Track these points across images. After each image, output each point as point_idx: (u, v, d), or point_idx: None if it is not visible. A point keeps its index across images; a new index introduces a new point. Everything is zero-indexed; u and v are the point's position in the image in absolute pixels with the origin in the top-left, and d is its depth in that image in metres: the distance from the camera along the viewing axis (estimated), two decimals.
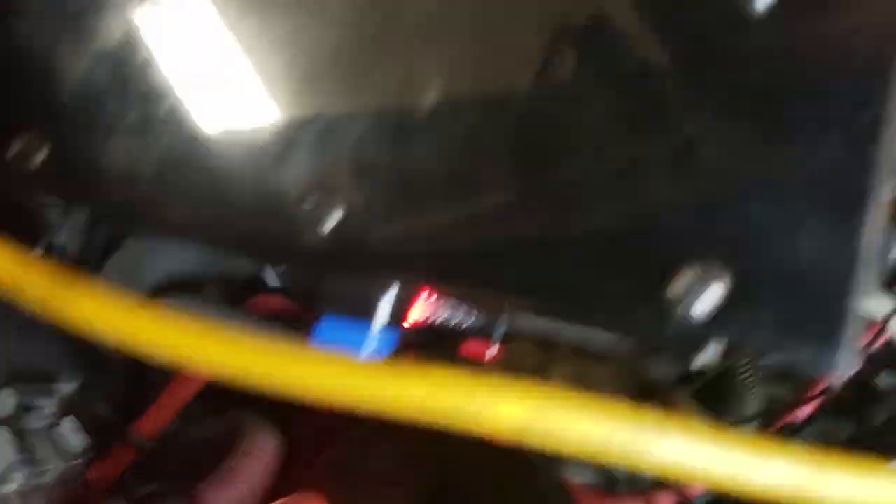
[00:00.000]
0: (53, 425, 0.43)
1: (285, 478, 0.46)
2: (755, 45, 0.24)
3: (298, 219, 0.26)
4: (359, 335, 0.28)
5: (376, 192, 0.26)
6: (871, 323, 0.51)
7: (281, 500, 0.42)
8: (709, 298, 0.22)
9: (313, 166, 0.27)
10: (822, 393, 0.57)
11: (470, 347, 0.55)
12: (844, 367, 0.21)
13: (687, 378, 0.59)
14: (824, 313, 0.21)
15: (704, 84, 0.24)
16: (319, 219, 0.26)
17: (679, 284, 0.22)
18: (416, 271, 0.25)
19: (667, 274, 0.23)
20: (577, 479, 0.62)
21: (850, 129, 0.22)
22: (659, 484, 0.61)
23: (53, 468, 0.42)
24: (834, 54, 0.23)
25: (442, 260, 0.25)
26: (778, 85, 0.23)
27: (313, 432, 0.50)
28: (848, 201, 0.22)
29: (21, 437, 0.41)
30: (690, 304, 0.22)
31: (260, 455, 0.45)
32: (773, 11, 0.23)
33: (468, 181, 0.26)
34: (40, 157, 0.33)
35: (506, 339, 0.53)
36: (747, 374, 0.59)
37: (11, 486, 0.40)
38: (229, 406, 0.49)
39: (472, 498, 0.49)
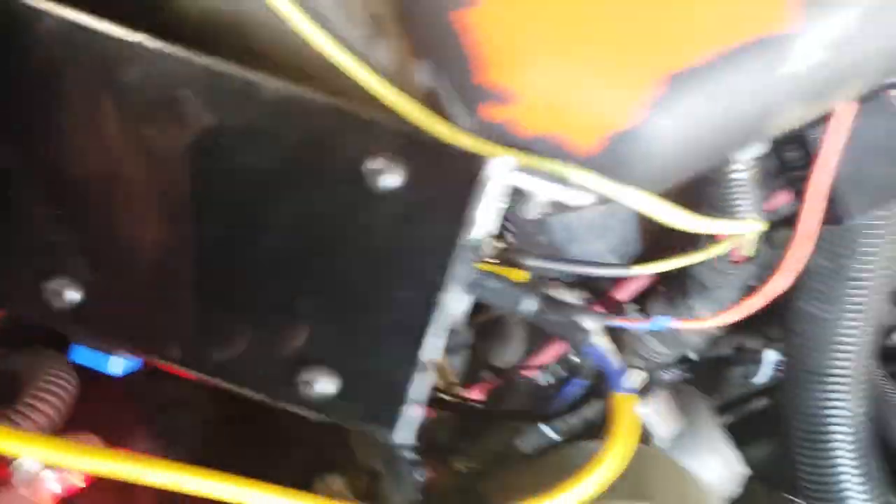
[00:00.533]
0: None
1: (79, 414, 0.49)
2: (371, 219, 0.33)
3: (44, 294, 0.34)
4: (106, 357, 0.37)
5: (108, 279, 0.35)
6: None
7: None
8: (325, 389, 0.33)
9: (63, 251, 0.35)
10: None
11: None
12: (402, 440, 0.33)
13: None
14: (387, 410, 0.33)
15: (328, 246, 0.34)
16: (61, 296, 0.34)
17: (306, 377, 0.33)
18: (135, 347, 0.35)
19: (299, 369, 0.33)
20: None
21: (421, 284, 0.33)
22: None
23: None
24: (416, 232, 0.33)
25: (150, 339, 0.35)
26: (377, 247, 0.33)
27: None
28: (411, 335, 0.33)
29: None
30: (312, 392, 0.33)
31: (59, 392, 0.47)
32: (392, 192, 0.33)
33: (172, 284, 0.35)
34: None
35: None
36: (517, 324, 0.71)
37: None
38: (28, 342, 0.49)
39: (262, 421, 0.53)
